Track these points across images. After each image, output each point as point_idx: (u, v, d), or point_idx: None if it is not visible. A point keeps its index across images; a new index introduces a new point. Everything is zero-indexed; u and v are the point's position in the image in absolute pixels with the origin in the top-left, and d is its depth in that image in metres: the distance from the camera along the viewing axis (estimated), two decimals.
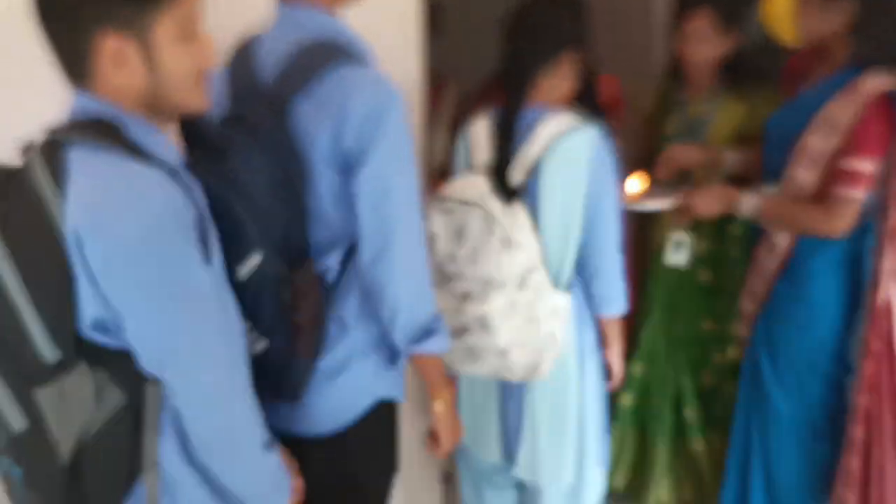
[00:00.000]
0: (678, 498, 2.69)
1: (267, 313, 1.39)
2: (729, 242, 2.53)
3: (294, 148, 1.40)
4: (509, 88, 1.96)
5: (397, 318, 1.48)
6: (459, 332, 1.89)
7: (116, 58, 1.14)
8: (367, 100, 1.39)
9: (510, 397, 2.06)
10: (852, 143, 1.96)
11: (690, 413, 2.59)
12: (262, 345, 1.42)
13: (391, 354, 1.57)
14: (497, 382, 2.06)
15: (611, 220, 1.97)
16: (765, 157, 2.26)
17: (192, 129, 1.35)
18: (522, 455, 2.07)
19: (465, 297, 1.88)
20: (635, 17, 2.48)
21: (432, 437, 1.69)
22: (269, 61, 1.45)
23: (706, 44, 2.36)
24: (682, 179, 2.47)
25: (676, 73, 2.52)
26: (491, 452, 2.12)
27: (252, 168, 1.34)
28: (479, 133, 2.00)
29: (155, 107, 1.20)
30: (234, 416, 1.22)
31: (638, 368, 2.66)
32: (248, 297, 1.35)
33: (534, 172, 1.91)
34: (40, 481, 1.18)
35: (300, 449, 1.53)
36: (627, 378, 2.65)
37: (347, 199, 1.45)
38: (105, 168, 1.13)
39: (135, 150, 1.15)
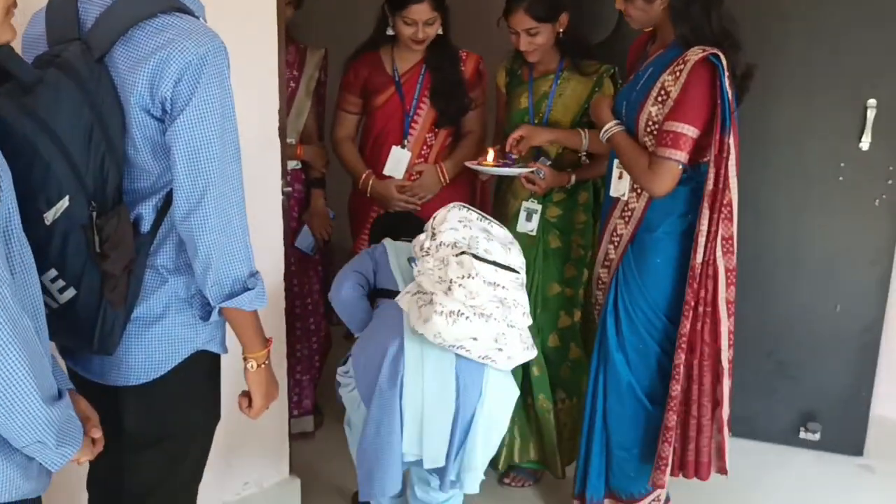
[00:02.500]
0: (525, 455, 2.81)
1: (75, 261, 1.35)
2: (578, 209, 2.68)
3: (110, 92, 1.36)
4: None
5: (209, 273, 1.45)
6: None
7: None
8: (187, 50, 1.35)
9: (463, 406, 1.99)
10: (676, 109, 2.14)
11: (536, 372, 2.72)
12: (69, 294, 1.37)
13: (204, 309, 1.54)
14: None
15: None
16: None
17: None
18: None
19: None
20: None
21: (245, 397, 1.65)
22: (92, 3, 1.41)
23: (528, 38, 2.54)
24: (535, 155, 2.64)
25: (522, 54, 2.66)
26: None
27: (63, 109, 1.30)
28: None
29: None
30: (9, 369, 1.16)
31: None
32: (54, 242, 1.32)
33: None
34: None
35: (114, 397, 1.51)
36: None
37: (164, 149, 1.42)
38: None
39: None
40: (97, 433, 1.39)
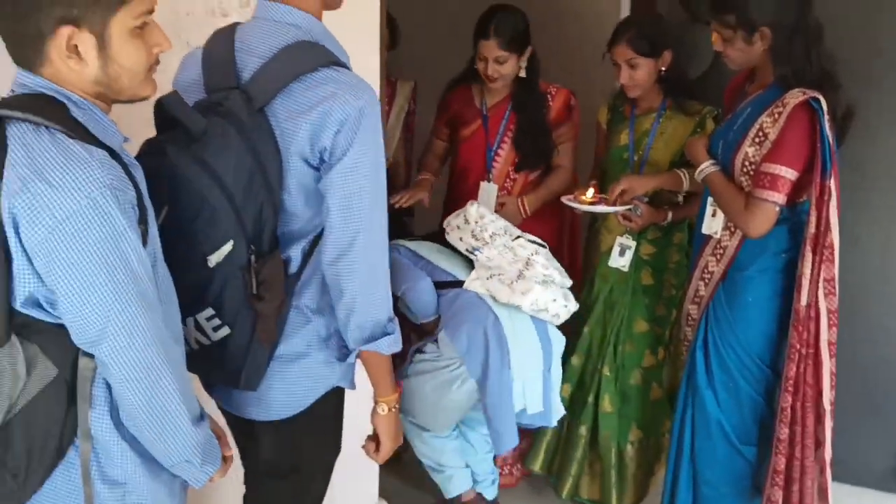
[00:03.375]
0: (590, 489, 2.82)
1: (232, 301, 1.41)
2: (672, 248, 2.68)
3: (270, 141, 1.40)
4: None
5: (352, 317, 1.50)
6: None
7: (72, 48, 1.17)
8: (347, 103, 1.40)
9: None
10: (774, 150, 2.12)
11: (608, 409, 2.72)
12: (223, 332, 1.43)
13: (341, 350, 1.58)
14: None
15: None
16: None
17: (166, 109, 1.36)
18: None
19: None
20: (587, 36, 2.67)
21: (372, 440, 1.69)
22: (250, 54, 1.46)
23: (629, 70, 2.56)
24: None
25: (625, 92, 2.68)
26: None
27: (228, 157, 1.35)
28: None
29: (104, 94, 1.24)
30: (162, 390, 1.24)
31: (576, 360, 2.79)
32: (215, 284, 1.38)
33: None
34: None
35: (251, 429, 1.59)
36: (568, 368, 2.78)
37: (317, 196, 1.47)
38: (43, 146, 1.14)
39: (77, 130, 1.17)
40: (228, 451, 1.47)
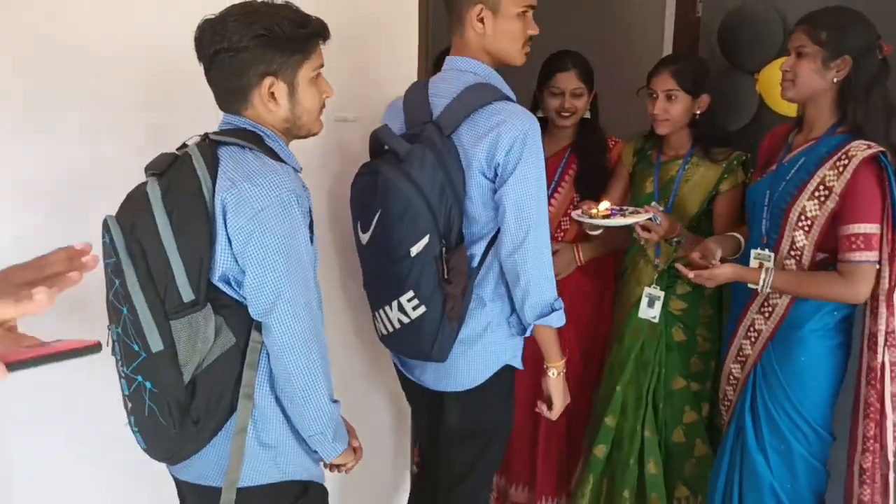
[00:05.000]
0: None
1: (427, 285, 1.77)
2: (703, 301, 2.58)
3: (456, 159, 1.80)
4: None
5: (528, 297, 1.85)
6: None
7: (269, 94, 1.54)
8: (515, 128, 1.78)
9: None
10: (856, 208, 2.02)
11: (653, 470, 2.61)
12: (420, 311, 1.80)
13: (520, 327, 1.94)
14: None
15: None
16: (750, 224, 2.32)
17: (379, 139, 1.83)
18: None
19: None
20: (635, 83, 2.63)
21: (544, 400, 2.04)
22: (440, 97, 1.88)
23: (664, 103, 2.47)
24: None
25: (656, 135, 2.60)
26: None
27: (426, 172, 1.75)
28: None
29: (289, 130, 1.61)
30: (312, 362, 1.52)
31: (611, 420, 2.69)
32: (414, 271, 1.75)
33: None
34: (166, 394, 1.44)
35: (439, 400, 1.98)
36: (602, 428, 2.69)
37: (492, 203, 1.85)
38: (248, 160, 1.49)
39: (271, 153, 1.53)
40: (357, 442, 1.76)
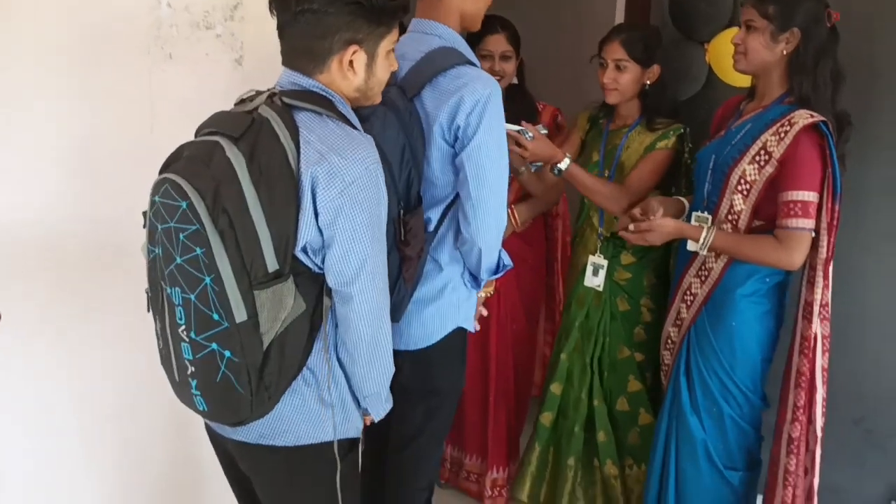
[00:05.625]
0: None
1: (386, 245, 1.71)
2: (647, 272, 2.59)
3: (418, 122, 1.80)
4: None
5: (483, 261, 1.92)
6: None
7: (349, 63, 1.53)
8: (477, 91, 1.78)
9: None
10: (795, 176, 2.04)
11: (603, 437, 2.64)
12: None
13: (473, 283, 2.00)
14: None
15: None
16: (695, 188, 2.35)
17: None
18: None
19: None
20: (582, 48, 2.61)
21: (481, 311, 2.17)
22: (404, 59, 1.83)
23: (614, 72, 2.48)
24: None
25: (608, 106, 2.62)
26: None
27: (388, 134, 1.72)
28: None
29: (357, 99, 1.61)
30: (382, 329, 1.58)
31: (556, 388, 2.72)
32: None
33: None
34: (247, 363, 1.45)
35: (394, 359, 1.91)
36: (549, 396, 2.72)
37: (451, 168, 1.86)
38: (331, 130, 1.48)
39: (345, 120, 1.52)
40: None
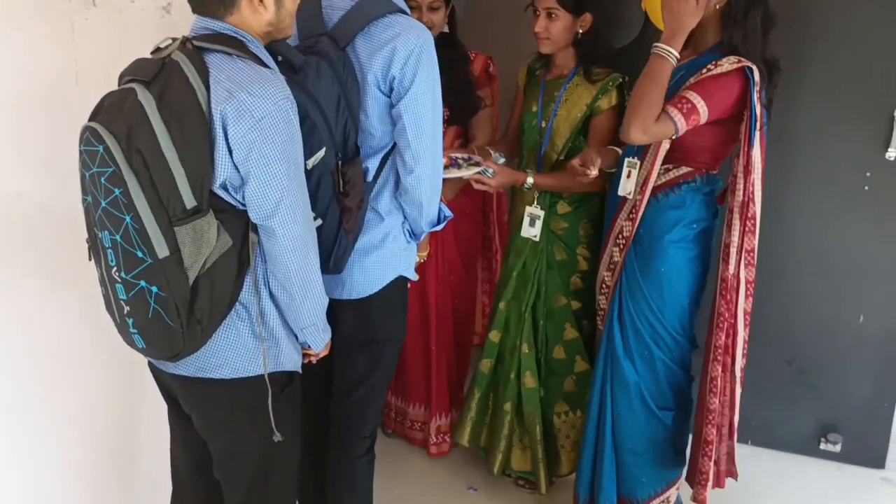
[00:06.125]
0: (521, 462, 2.81)
1: (324, 197, 1.76)
2: (584, 222, 2.62)
3: (352, 72, 1.79)
4: None
5: (423, 213, 1.95)
6: None
7: (260, 2, 1.56)
8: (410, 41, 1.79)
9: None
10: (703, 86, 2.09)
11: (530, 384, 2.69)
12: (317, 223, 1.77)
13: (413, 235, 2.03)
14: None
15: None
16: None
17: (274, 51, 1.71)
18: None
19: None
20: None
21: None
22: (333, 9, 1.83)
23: (546, 21, 2.47)
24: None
25: (545, 56, 2.62)
26: None
27: (322, 84, 1.72)
28: None
29: (270, 34, 1.63)
30: (310, 261, 1.63)
31: (494, 336, 2.77)
32: (310, 183, 1.70)
33: None
34: (174, 297, 1.50)
35: (336, 309, 1.95)
36: (487, 344, 2.77)
37: (387, 118, 1.87)
38: (240, 69, 1.51)
39: (256, 59, 1.55)
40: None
